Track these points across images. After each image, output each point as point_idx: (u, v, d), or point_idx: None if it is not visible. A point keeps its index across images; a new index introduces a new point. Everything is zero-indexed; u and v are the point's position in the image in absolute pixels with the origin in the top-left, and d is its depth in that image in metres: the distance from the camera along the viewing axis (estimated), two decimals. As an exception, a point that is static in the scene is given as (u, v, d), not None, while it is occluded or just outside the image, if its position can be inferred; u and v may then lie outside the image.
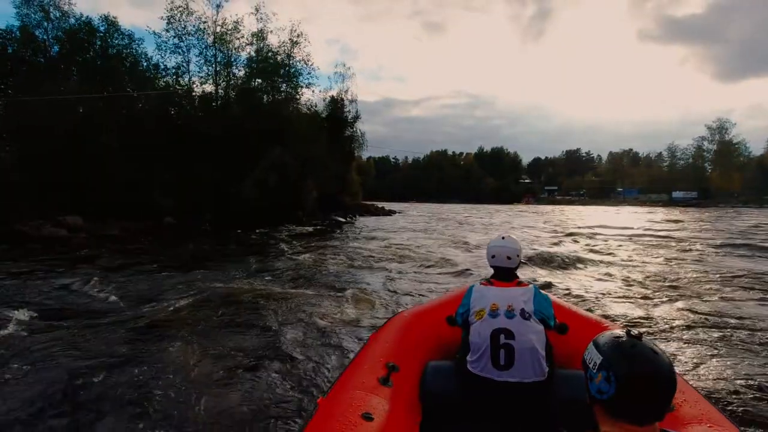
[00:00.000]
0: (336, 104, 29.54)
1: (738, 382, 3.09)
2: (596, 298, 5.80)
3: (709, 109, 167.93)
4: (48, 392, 2.87)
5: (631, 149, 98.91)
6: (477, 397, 1.85)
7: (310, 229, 17.48)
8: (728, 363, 3.44)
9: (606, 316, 4.28)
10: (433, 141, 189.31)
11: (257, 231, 15.39)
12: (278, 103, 21.92)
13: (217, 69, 21.18)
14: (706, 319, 4.67)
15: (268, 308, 4.99)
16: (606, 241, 13.64)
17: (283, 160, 18.10)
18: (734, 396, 2.89)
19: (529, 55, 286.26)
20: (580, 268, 8.44)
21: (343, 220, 24.02)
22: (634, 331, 0.97)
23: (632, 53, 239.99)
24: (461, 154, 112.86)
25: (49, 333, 4.02)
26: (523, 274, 6.93)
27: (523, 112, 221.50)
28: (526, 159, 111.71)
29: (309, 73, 24.04)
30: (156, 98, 17.71)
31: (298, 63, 23.47)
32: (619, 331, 0.99)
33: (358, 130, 32.18)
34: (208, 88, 21.71)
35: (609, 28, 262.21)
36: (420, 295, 6.10)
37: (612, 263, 9.01)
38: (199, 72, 21.37)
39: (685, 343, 3.96)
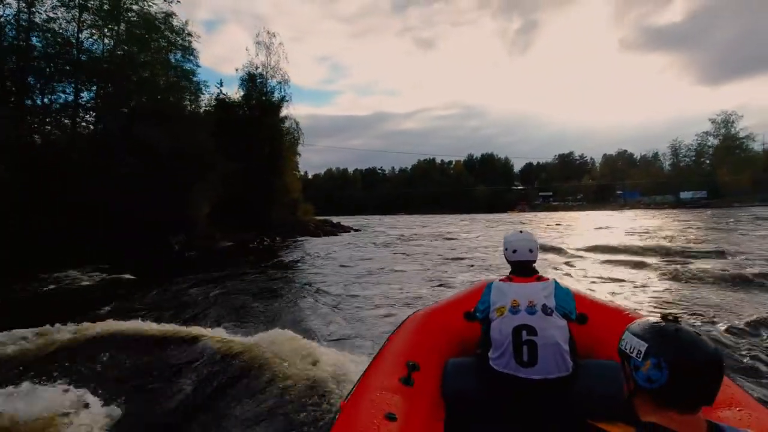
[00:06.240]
0: (254, 82, 21.18)
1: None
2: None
3: (696, 112, 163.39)
4: None
5: (626, 150, 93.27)
6: (500, 394, 1.82)
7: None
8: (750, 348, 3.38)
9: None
10: (428, 153, 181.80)
11: None
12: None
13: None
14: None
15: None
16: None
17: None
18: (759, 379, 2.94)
19: (518, 66, 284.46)
20: None
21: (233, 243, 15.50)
22: (670, 316, 0.91)
23: (618, 62, 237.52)
24: (450, 162, 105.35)
25: None
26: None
27: (516, 120, 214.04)
28: (519, 167, 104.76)
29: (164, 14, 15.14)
30: None
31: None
32: (654, 318, 0.93)
33: (293, 122, 23.93)
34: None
35: (592, 40, 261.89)
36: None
37: None
38: None
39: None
